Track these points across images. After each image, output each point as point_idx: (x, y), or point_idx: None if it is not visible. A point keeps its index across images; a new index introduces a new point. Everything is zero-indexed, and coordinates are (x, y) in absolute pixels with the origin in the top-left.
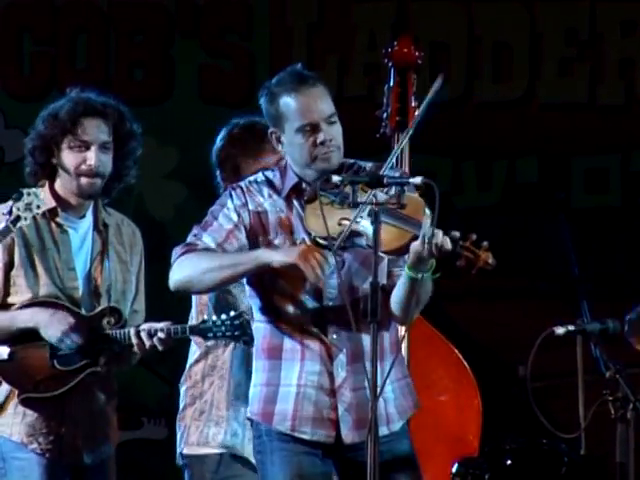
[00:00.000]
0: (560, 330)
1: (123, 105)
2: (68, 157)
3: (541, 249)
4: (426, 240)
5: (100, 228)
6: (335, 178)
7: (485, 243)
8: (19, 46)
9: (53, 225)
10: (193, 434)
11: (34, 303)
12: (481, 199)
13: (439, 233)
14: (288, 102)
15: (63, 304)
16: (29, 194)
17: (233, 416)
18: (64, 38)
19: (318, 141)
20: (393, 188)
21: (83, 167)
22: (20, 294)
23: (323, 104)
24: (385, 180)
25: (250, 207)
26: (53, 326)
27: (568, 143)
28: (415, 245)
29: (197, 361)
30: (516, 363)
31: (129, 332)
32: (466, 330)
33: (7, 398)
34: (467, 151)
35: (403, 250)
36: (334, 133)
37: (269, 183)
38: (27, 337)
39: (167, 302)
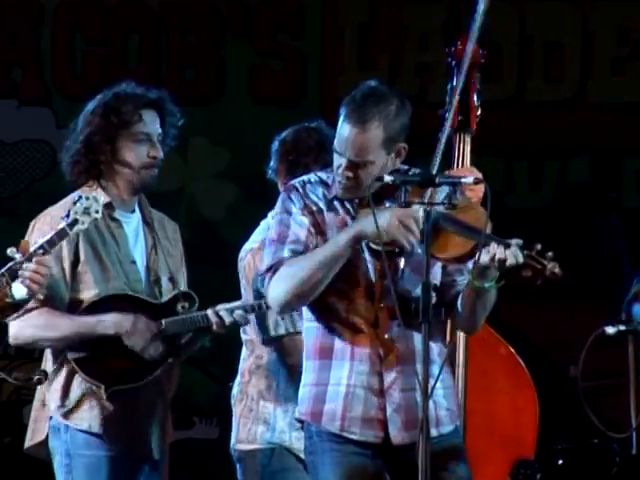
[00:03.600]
0: (611, 330)
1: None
2: (130, 151)
3: (593, 249)
4: (497, 256)
5: (149, 222)
6: (387, 178)
7: (550, 253)
8: (71, 46)
9: (109, 220)
10: (242, 431)
11: (108, 300)
12: (533, 199)
13: (507, 245)
14: (340, 119)
15: (137, 296)
16: (88, 198)
17: (281, 416)
18: (115, 38)
19: (337, 167)
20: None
21: (147, 160)
22: (88, 290)
23: (352, 149)
24: (437, 180)
25: (307, 209)
26: (136, 335)
27: (620, 143)
28: (485, 258)
29: (246, 359)
30: (567, 363)
31: (207, 313)
32: (517, 330)
33: (84, 396)
34: (519, 151)
35: (464, 258)
36: (352, 174)
37: (323, 183)
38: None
39: (218, 300)
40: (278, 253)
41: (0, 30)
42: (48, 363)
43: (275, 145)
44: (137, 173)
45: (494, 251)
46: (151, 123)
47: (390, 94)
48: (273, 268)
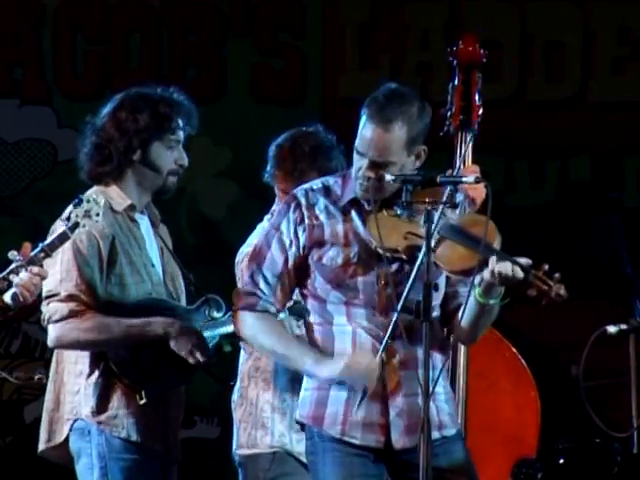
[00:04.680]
0: (613, 329)
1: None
2: (162, 155)
3: (593, 248)
4: (496, 271)
5: (157, 224)
6: (388, 177)
7: (557, 275)
8: (72, 46)
9: (130, 222)
10: (242, 436)
11: (142, 305)
12: (534, 198)
13: (511, 264)
14: (362, 119)
15: (168, 301)
16: (89, 201)
17: (279, 419)
18: (117, 38)
19: (357, 169)
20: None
21: (175, 166)
22: (122, 292)
23: (375, 149)
24: (438, 179)
25: (306, 221)
26: (184, 340)
27: (621, 142)
28: (487, 275)
29: (245, 361)
30: (569, 362)
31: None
32: (518, 330)
33: (122, 402)
34: (520, 150)
35: (471, 272)
36: (374, 175)
37: (326, 192)
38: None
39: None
40: (255, 277)
41: (2, 30)
42: (62, 366)
43: (272, 150)
44: (164, 178)
45: (493, 266)
46: (183, 132)
47: (412, 95)
48: (246, 301)
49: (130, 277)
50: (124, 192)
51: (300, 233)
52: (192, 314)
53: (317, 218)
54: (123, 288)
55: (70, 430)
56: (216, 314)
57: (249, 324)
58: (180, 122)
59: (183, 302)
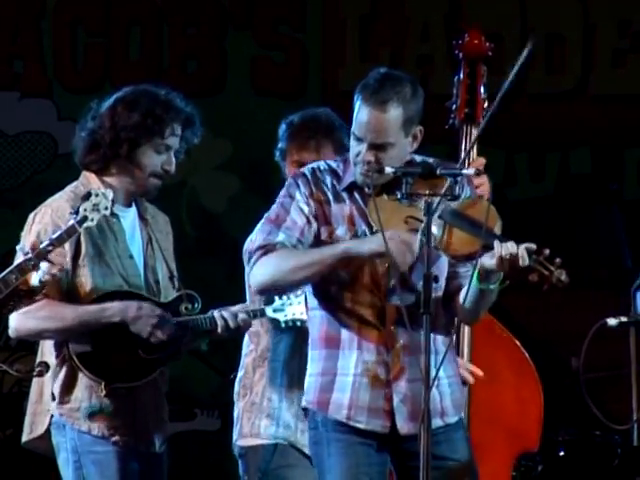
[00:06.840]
0: (613, 321)
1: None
2: (149, 157)
3: (594, 240)
4: (503, 255)
5: (145, 217)
6: (388, 169)
7: (558, 260)
8: (73, 38)
9: (108, 214)
10: (245, 425)
11: (113, 297)
12: (534, 190)
13: (516, 247)
14: (356, 105)
15: (142, 294)
16: (97, 195)
17: (286, 407)
18: (117, 30)
19: (356, 154)
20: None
21: (159, 170)
22: (87, 285)
23: (373, 131)
24: (438, 171)
25: (315, 196)
26: (142, 321)
27: (621, 134)
28: (489, 259)
29: (249, 352)
30: (569, 355)
31: (213, 316)
32: (518, 322)
33: (84, 395)
34: (520, 143)
35: (473, 257)
36: (374, 158)
37: (332, 172)
38: (111, 330)
39: (220, 293)
40: (272, 235)
41: (2, 22)
42: (45, 357)
43: (283, 127)
44: (145, 178)
45: (499, 251)
46: (177, 139)
47: (403, 77)
48: (264, 249)
49: (97, 269)
50: (104, 184)
51: (312, 205)
52: (165, 309)
53: (325, 195)
54: (86, 279)
55: (50, 423)
56: (190, 309)
57: (272, 261)
58: (175, 129)
59: (167, 296)
